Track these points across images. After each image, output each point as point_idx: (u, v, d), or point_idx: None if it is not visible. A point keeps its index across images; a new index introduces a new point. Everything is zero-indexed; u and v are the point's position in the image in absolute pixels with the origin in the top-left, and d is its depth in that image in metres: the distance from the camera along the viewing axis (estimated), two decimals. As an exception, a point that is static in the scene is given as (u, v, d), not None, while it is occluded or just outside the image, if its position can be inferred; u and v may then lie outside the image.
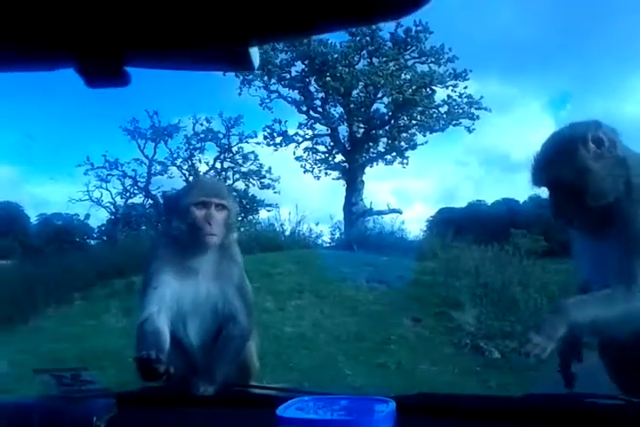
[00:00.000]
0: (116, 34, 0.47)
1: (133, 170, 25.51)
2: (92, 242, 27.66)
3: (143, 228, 23.13)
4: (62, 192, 51.40)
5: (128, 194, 25.79)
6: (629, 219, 1.85)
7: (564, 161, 1.89)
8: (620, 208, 1.88)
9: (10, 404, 1.12)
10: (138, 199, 26.53)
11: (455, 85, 20.38)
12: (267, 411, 1.28)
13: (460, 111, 20.53)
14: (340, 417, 0.85)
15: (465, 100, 20.50)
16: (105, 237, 26.31)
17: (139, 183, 25.70)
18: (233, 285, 2.27)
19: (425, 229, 26.57)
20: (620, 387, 2.08)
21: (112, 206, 25.56)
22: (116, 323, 7.81)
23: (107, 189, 25.14)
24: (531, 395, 1.36)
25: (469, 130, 20.86)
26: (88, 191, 24.58)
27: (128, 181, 25.53)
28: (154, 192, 25.96)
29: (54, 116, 43.98)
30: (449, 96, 20.55)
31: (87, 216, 27.11)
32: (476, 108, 20.48)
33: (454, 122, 20.68)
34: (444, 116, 20.65)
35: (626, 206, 1.87)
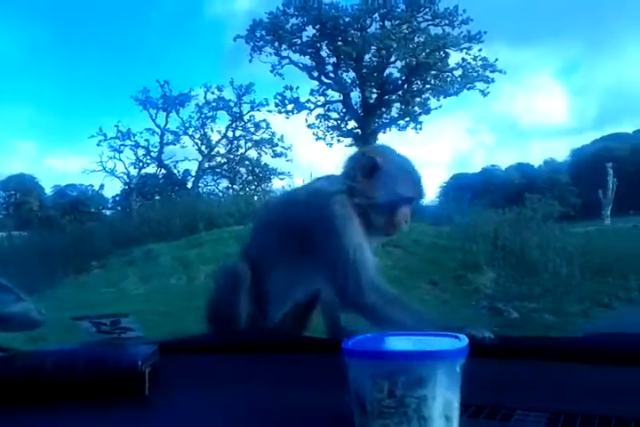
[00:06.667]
0: None
1: (146, 140, 25.52)
2: (107, 212, 27.86)
3: (157, 197, 23.21)
4: (77, 164, 51.87)
5: (141, 164, 25.83)
6: None
7: None
8: None
9: (53, 352, 1.10)
10: (151, 169, 26.60)
11: (469, 48, 19.99)
12: (310, 356, 1.22)
13: (475, 74, 20.15)
14: (407, 349, 0.81)
15: (479, 62, 20.09)
16: (120, 207, 26.49)
17: (151, 153, 25.73)
18: None
19: (439, 194, 26.47)
20: None
21: (126, 176, 25.64)
22: (134, 290, 7.87)
23: (120, 160, 25.19)
24: (592, 334, 1.32)
25: (484, 93, 20.52)
26: (102, 162, 24.68)
27: (141, 151, 25.56)
28: (166, 162, 26.00)
29: (67, 88, 44.10)
30: (463, 59, 20.21)
31: (101, 187, 27.28)
32: (490, 71, 20.08)
33: (469, 85, 20.33)
34: (459, 79, 20.29)
35: None
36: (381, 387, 0.77)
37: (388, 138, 22.72)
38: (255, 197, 14.17)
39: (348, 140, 21.67)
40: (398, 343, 0.86)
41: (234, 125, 25.70)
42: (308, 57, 21.14)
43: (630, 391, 0.98)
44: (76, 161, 62.77)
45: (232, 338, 1.50)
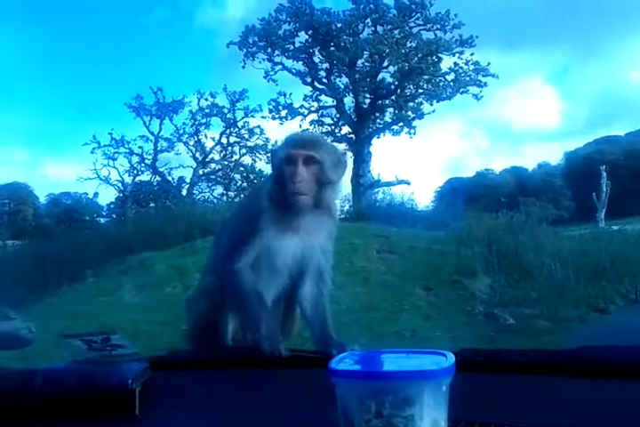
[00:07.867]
0: None
1: (140, 147, 25.48)
2: (102, 220, 27.76)
3: (152, 205, 23.14)
4: (71, 171, 51.92)
5: (135, 171, 25.79)
6: None
7: None
8: None
9: (42, 370, 1.09)
10: (145, 176, 26.56)
11: (461, 52, 20.05)
12: (300, 371, 1.22)
13: (468, 79, 20.22)
14: (395, 369, 0.81)
15: (472, 67, 20.17)
16: (114, 215, 26.40)
17: (146, 160, 25.67)
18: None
19: (434, 199, 26.53)
20: None
21: (120, 184, 25.59)
22: (129, 299, 7.81)
23: (114, 167, 25.13)
24: (586, 347, 1.29)
25: (477, 97, 20.59)
26: (96, 170, 24.62)
27: (135, 159, 25.51)
28: (161, 169, 25.95)
29: (60, 95, 44.16)
30: (455, 64, 20.27)
31: (96, 194, 27.23)
32: (483, 76, 20.16)
33: (462, 90, 20.39)
34: (451, 83, 20.36)
35: None
36: (369, 407, 0.76)
37: (382, 143, 22.79)
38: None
39: (343, 146, 21.66)
40: (385, 362, 0.86)
41: (228, 132, 25.71)
42: (300, 63, 21.21)
43: (619, 406, 0.96)
44: (69, 169, 62.90)
45: (223, 353, 1.49)
